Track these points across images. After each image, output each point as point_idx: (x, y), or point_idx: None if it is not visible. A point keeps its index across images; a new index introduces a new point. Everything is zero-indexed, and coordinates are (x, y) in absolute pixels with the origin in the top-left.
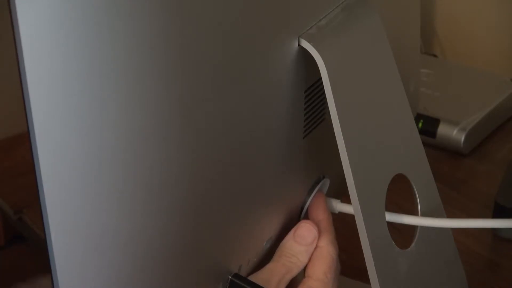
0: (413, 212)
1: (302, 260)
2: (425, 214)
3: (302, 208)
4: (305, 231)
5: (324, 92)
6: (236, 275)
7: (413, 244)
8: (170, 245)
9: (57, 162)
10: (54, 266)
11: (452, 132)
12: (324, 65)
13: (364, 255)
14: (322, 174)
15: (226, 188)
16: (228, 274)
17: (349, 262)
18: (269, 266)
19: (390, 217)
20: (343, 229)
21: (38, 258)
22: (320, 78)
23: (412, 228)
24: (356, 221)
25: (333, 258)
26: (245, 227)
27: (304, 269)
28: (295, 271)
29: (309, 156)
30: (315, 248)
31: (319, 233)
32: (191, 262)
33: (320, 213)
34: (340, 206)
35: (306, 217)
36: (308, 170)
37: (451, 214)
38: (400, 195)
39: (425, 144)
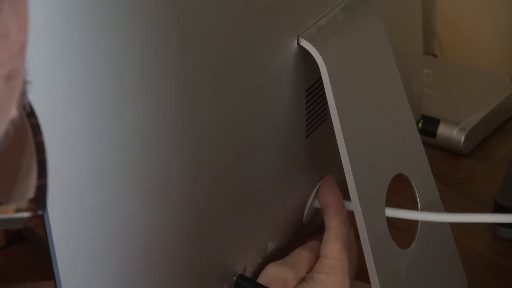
0: None
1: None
2: None
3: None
4: None
5: (325, 92)
6: (241, 276)
7: (413, 244)
8: (174, 246)
9: (59, 162)
10: (56, 267)
11: (452, 132)
12: (324, 65)
13: (364, 255)
14: (325, 174)
15: (229, 189)
16: (233, 275)
17: None
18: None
19: (389, 212)
20: None
21: (39, 258)
22: (321, 78)
23: (413, 228)
24: (356, 221)
25: (346, 237)
26: (249, 228)
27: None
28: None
29: (312, 156)
30: (328, 229)
31: (331, 214)
32: (196, 263)
33: (330, 195)
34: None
35: (309, 217)
36: (311, 170)
37: None
38: (400, 195)
39: (425, 144)
